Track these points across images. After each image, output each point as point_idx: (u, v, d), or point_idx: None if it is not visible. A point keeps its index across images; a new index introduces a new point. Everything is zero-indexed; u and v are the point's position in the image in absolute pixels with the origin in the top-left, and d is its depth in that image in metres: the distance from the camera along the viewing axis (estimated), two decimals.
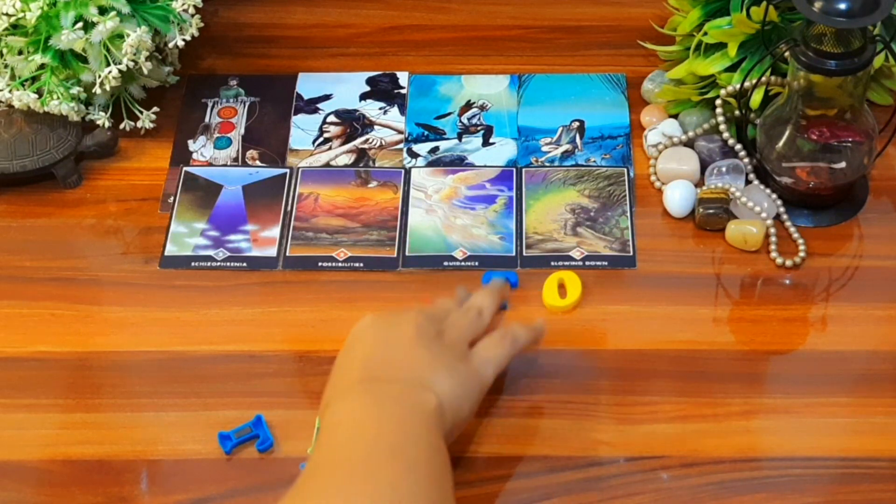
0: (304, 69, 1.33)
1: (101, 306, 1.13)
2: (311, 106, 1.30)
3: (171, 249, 1.17)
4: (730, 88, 1.18)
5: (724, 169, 1.19)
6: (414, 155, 1.25)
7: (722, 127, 1.20)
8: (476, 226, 1.18)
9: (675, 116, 1.25)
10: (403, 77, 1.32)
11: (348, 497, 0.84)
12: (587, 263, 1.15)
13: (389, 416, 0.90)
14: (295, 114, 1.29)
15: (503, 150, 1.25)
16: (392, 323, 0.98)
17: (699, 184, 1.20)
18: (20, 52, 1.20)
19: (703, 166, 1.20)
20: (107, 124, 1.24)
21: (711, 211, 1.16)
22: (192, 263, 1.16)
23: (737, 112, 1.19)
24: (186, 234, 1.18)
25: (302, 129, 1.27)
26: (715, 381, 1.06)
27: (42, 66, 1.20)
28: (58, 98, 1.19)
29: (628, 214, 1.18)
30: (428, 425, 0.91)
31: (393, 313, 1.00)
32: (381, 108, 1.29)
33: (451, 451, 1.01)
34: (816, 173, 1.16)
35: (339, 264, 1.16)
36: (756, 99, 1.18)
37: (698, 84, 1.22)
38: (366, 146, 1.26)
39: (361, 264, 1.16)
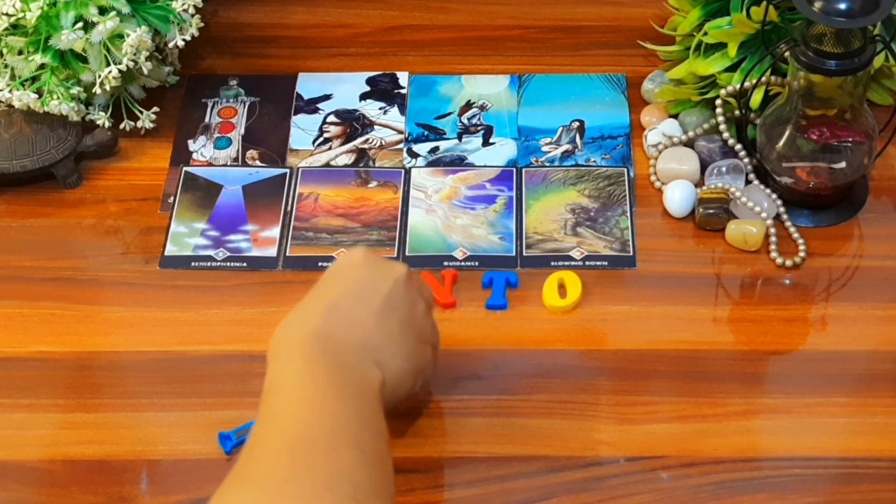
0: (304, 69, 1.33)
1: (101, 306, 1.13)
2: (311, 106, 1.30)
3: (171, 249, 1.17)
4: (730, 88, 1.18)
5: (724, 169, 1.19)
6: (414, 155, 1.25)
7: (722, 127, 1.20)
8: (476, 226, 1.18)
9: (675, 116, 1.25)
10: (403, 77, 1.32)
11: (290, 485, 0.81)
12: (587, 263, 1.15)
13: (332, 393, 0.88)
14: (295, 114, 1.29)
15: (503, 150, 1.25)
16: (378, 273, 0.96)
17: (699, 184, 1.20)
18: (20, 52, 1.20)
19: (703, 166, 1.20)
20: (107, 124, 1.24)
21: (711, 211, 1.16)
22: (192, 263, 1.16)
23: (737, 112, 1.19)
24: (186, 234, 1.18)
25: (302, 129, 1.27)
26: (715, 381, 1.06)
27: (42, 66, 1.20)
28: (58, 98, 1.19)
29: (628, 214, 1.18)
30: (371, 404, 0.89)
31: (385, 261, 0.97)
32: (381, 108, 1.29)
33: (450, 451, 1.01)
34: (816, 173, 1.16)
35: None
36: (756, 99, 1.18)
37: (698, 84, 1.22)
38: (366, 146, 1.26)
39: None
